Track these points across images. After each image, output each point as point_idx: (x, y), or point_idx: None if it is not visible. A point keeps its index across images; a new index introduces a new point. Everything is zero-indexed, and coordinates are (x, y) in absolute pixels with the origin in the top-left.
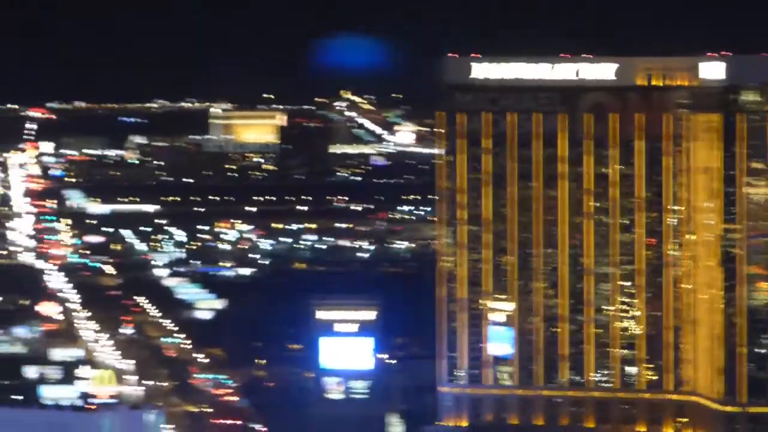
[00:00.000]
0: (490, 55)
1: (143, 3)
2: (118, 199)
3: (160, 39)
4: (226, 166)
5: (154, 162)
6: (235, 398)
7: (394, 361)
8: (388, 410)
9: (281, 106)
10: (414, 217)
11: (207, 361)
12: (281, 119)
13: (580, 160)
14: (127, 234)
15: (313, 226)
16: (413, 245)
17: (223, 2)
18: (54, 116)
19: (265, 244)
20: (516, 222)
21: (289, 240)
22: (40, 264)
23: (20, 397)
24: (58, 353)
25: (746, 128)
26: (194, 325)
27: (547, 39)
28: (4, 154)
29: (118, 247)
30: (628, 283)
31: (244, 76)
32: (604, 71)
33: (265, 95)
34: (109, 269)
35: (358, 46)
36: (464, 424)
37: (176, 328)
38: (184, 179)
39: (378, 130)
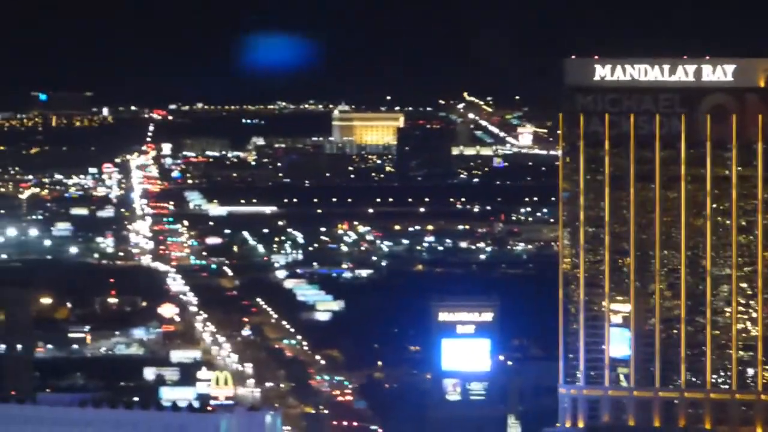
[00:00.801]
0: (610, 57)
1: (264, 5)
2: (238, 200)
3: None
4: (347, 167)
5: (275, 164)
6: (353, 400)
7: (511, 363)
8: (506, 412)
9: (402, 108)
10: (533, 219)
11: (325, 362)
12: (401, 121)
13: (700, 161)
14: (246, 236)
15: (433, 227)
16: (532, 247)
17: (344, 8)
18: (174, 118)
19: (384, 245)
20: (635, 223)
21: (408, 241)
22: (159, 266)
23: (139, 399)
24: (177, 355)
25: None
26: (313, 326)
27: (667, 40)
28: (126, 156)
29: (237, 249)
30: (747, 285)
31: (365, 78)
32: (723, 73)
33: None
34: (227, 271)
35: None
36: (582, 425)
37: (295, 330)
38: (304, 181)
39: (498, 132)
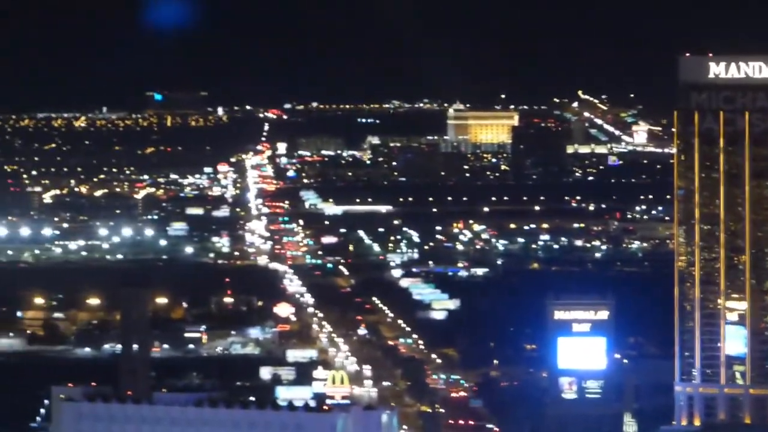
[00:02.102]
0: (725, 55)
1: (382, 6)
2: (353, 199)
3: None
4: (462, 166)
5: (390, 162)
6: (470, 398)
7: (627, 361)
8: (622, 410)
9: (516, 107)
10: (648, 217)
11: (441, 361)
12: (516, 119)
13: None
14: (361, 235)
15: (548, 225)
16: (647, 245)
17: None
18: (289, 117)
19: (500, 244)
20: (750, 221)
21: (524, 240)
22: (275, 265)
23: (255, 398)
24: (293, 354)
25: None
26: (429, 325)
27: None
28: (241, 155)
29: (353, 248)
30: None
31: (480, 77)
32: None
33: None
34: (343, 270)
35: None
36: (698, 423)
37: (410, 329)
38: (419, 179)
39: (612, 129)
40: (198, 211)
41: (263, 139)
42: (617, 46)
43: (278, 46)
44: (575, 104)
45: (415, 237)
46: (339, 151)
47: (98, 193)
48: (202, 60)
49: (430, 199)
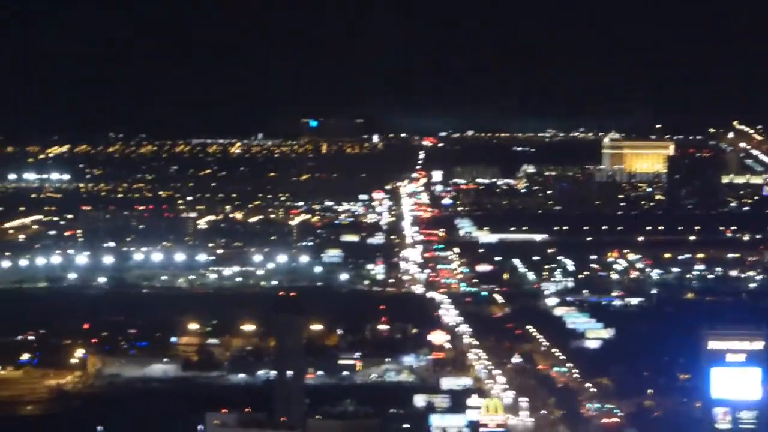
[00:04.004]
0: None
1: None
2: (508, 228)
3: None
4: (617, 195)
5: (545, 191)
6: (623, 427)
7: None
8: None
9: (672, 136)
10: None
11: (596, 390)
12: (672, 149)
13: None
14: (516, 263)
15: (703, 255)
16: None
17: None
18: (445, 145)
19: (654, 273)
20: None
21: (678, 269)
22: (429, 293)
23: (409, 426)
24: (447, 382)
25: None
26: (583, 353)
27: None
28: (396, 183)
29: (507, 276)
30: None
31: (635, 106)
32: None
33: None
34: (498, 298)
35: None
36: None
37: (565, 357)
38: (574, 208)
39: None
40: (353, 238)
41: (419, 166)
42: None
43: (434, 74)
44: (731, 134)
45: (570, 265)
46: (494, 180)
47: (253, 219)
48: (358, 86)
49: (585, 227)
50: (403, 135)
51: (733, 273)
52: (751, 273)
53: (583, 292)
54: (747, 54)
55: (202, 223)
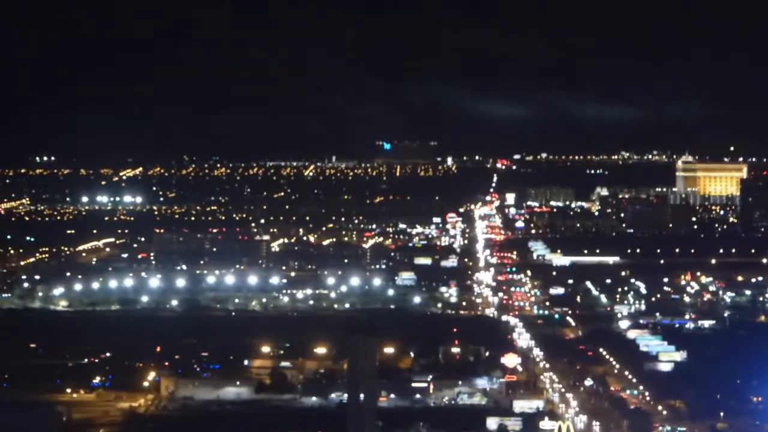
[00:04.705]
0: None
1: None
2: (581, 250)
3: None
4: (690, 218)
5: (618, 214)
6: None
7: None
8: None
9: (745, 159)
10: None
11: (668, 412)
12: (745, 171)
13: None
14: (588, 286)
15: None
16: None
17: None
18: (518, 168)
19: (727, 296)
20: None
21: (751, 292)
22: (502, 316)
23: None
24: (520, 404)
25: None
26: (655, 376)
27: None
28: (470, 205)
29: (580, 299)
30: None
31: (709, 129)
32: None
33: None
34: (570, 321)
35: None
36: None
37: (637, 380)
38: (648, 231)
39: None
40: (426, 260)
41: (492, 189)
42: None
43: (507, 97)
44: None
45: (643, 288)
46: (567, 202)
47: (326, 242)
48: (432, 109)
49: (658, 250)
50: (477, 157)
51: None
52: None
53: (656, 314)
54: None
55: (276, 246)
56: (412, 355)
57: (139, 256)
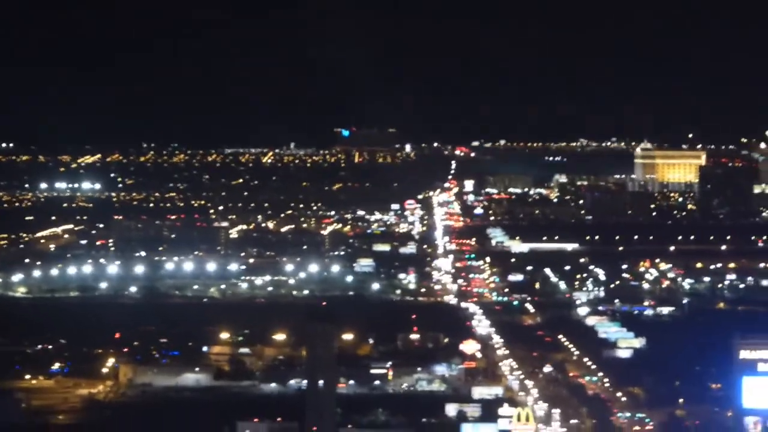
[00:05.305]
0: None
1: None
2: (539, 237)
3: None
4: (648, 205)
5: (577, 201)
6: None
7: None
8: None
9: (704, 146)
10: None
11: (627, 399)
12: (703, 159)
13: None
14: (547, 273)
15: (734, 265)
16: None
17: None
18: (477, 155)
19: (686, 283)
20: None
21: (710, 279)
22: (461, 302)
23: None
24: (479, 391)
25: None
26: (614, 363)
27: None
28: (428, 193)
29: (539, 286)
30: None
31: (666, 116)
32: None
33: (688, 135)
34: (529, 308)
35: None
36: None
37: (596, 367)
38: (606, 218)
39: None
40: (385, 247)
41: (450, 176)
42: None
43: (465, 83)
44: (763, 144)
45: (602, 275)
46: (526, 189)
47: (285, 228)
48: (389, 96)
49: (617, 237)
50: (435, 144)
51: (765, 282)
52: None
53: (615, 301)
54: None
55: (234, 233)
56: (371, 341)
57: (98, 243)
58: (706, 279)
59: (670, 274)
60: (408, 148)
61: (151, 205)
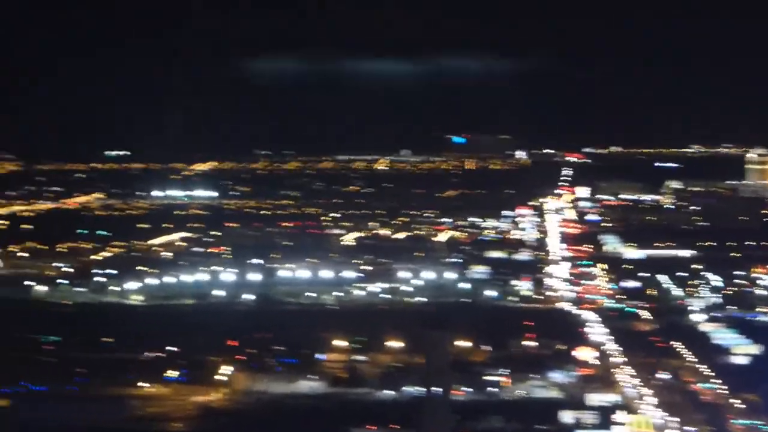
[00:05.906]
0: None
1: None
2: (654, 244)
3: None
4: (761, 211)
5: (690, 207)
6: None
7: None
8: None
9: None
10: None
11: (743, 406)
12: None
13: None
14: (662, 279)
15: None
16: None
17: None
18: (590, 161)
19: None
20: None
21: None
22: (575, 309)
23: None
24: (594, 398)
25: None
26: (730, 370)
27: None
28: (541, 199)
29: (654, 293)
30: None
31: None
32: None
33: None
34: (644, 314)
35: None
36: None
37: (712, 374)
38: (719, 224)
39: None
40: (498, 254)
41: (564, 183)
42: None
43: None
44: None
45: (716, 281)
46: (639, 195)
47: (399, 235)
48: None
49: (730, 243)
50: (547, 151)
51: None
52: None
53: (730, 308)
54: None
55: (348, 240)
56: (485, 348)
57: (212, 251)
58: None
59: None
60: (520, 154)
61: (264, 212)
